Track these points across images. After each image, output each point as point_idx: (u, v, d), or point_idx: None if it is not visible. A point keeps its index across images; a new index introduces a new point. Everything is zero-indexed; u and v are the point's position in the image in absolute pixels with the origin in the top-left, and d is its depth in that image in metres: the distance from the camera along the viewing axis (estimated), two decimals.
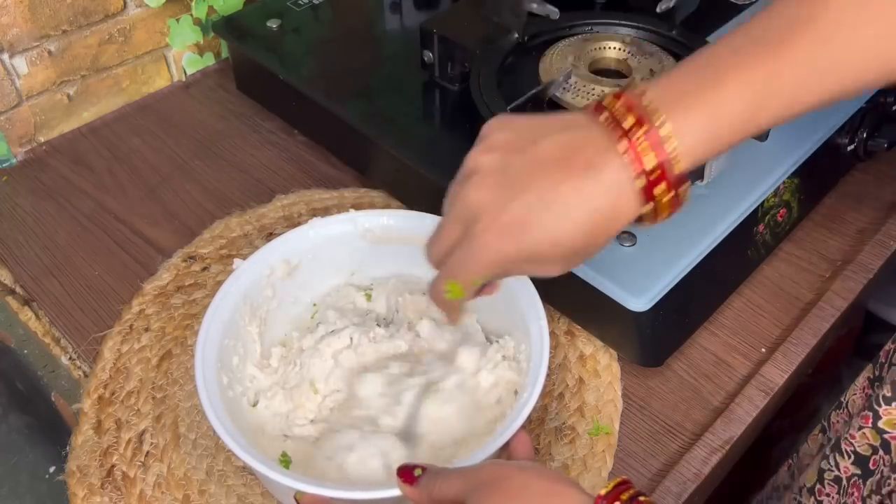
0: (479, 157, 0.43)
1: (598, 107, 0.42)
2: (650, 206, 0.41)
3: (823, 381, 1.01)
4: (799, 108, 0.42)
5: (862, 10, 0.40)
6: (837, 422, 0.67)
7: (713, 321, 0.64)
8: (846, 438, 0.58)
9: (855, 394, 0.65)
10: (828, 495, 0.60)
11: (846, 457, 0.58)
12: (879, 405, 0.57)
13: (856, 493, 0.58)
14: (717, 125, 0.40)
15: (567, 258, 0.42)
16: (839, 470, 0.58)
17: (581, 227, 0.40)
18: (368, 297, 0.61)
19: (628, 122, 0.40)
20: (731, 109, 0.40)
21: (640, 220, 0.43)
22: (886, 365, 0.62)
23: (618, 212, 0.41)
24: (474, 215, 0.42)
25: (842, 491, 0.59)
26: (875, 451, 0.57)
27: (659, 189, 0.40)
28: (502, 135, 0.43)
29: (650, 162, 0.40)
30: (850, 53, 0.41)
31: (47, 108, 0.80)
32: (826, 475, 0.59)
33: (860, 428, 0.58)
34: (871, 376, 0.64)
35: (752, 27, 0.42)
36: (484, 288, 0.47)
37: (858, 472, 0.57)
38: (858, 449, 0.57)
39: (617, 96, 0.41)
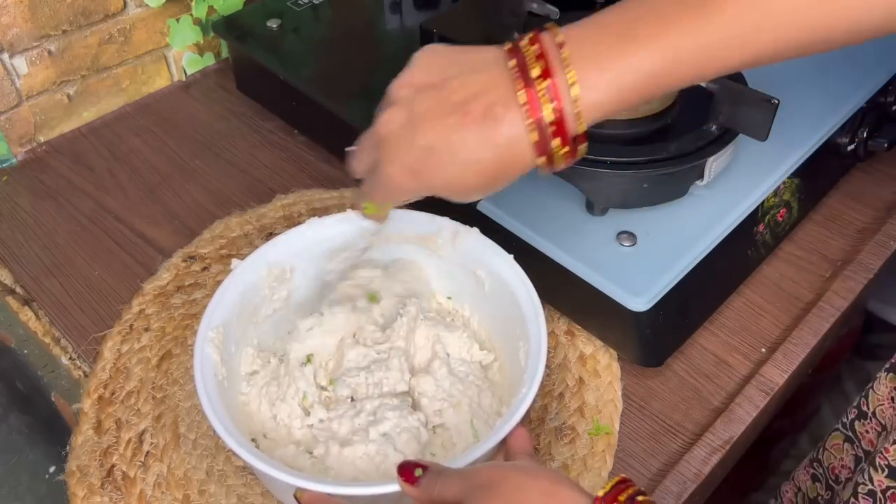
0: (399, 90, 0.45)
1: (513, 49, 0.42)
2: (543, 159, 0.42)
3: (823, 381, 1.01)
4: (711, 73, 0.42)
5: None
6: (867, 432, 0.66)
7: (713, 321, 0.64)
8: (880, 452, 0.58)
9: (882, 403, 0.65)
10: None
11: (880, 470, 0.58)
12: None
13: None
14: (624, 85, 0.41)
15: (466, 195, 0.45)
16: (873, 483, 0.58)
17: (473, 173, 0.43)
18: (373, 297, 0.61)
19: (535, 71, 0.41)
20: (641, 69, 0.40)
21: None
22: None
23: (511, 162, 0.43)
24: (381, 146, 0.45)
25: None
26: None
27: (555, 143, 0.41)
28: (423, 71, 0.45)
29: (548, 115, 0.40)
30: (774, 17, 0.40)
31: (47, 108, 0.80)
32: (860, 489, 0.59)
33: (894, 442, 0.58)
34: None
35: None
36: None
37: (894, 484, 0.57)
38: (892, 462, 0.57)
39: (533, 41, 0.42)
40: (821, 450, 0.71)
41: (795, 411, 1.00)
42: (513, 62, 0.42)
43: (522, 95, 0.41)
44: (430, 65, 0.45)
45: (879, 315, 0.98)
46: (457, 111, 0.42)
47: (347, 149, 0.49)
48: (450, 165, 0.43)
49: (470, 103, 0.42)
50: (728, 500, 0.78)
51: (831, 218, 0.71)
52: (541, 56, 0.41)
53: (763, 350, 0.62)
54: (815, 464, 0.72)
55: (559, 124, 0.41)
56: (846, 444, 0.68)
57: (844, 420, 0.69)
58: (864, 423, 0.66)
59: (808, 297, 0.65)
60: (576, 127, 0.41)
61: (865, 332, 1.04)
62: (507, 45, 0.43)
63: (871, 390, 0.66)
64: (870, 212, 0.72)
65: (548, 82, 0.40)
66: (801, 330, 0.62)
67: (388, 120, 0.44)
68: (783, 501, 0.77)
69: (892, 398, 0.64)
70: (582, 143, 0.42)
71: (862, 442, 0.67)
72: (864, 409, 0.66)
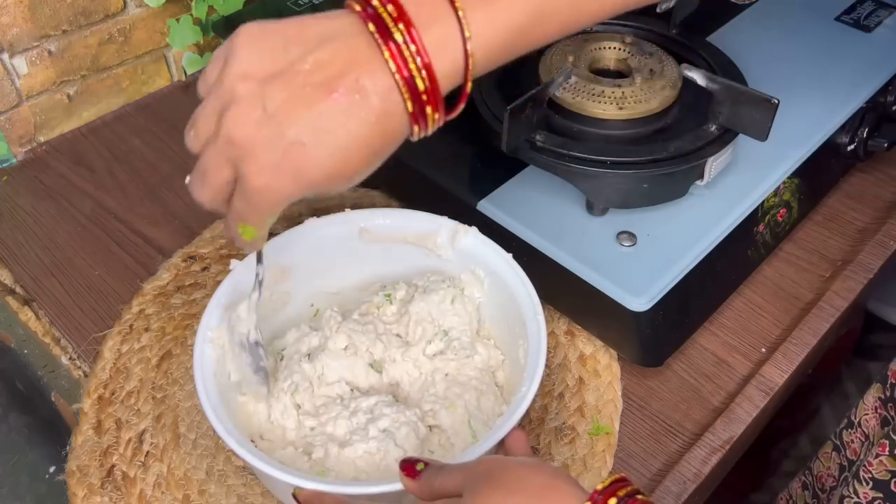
0: (236, 85, 0.39)
1: (365, 9, 0.39)
2: (416, 127, 0.40)
3: (823, 381, 1.01)
4: (579, 25, 0.43)
5: None
6: (852, 441, 0.67)
7: (713, 321, 0.64)
8: (864, 465, 0.58)
9: (867, 413, 0.65)
10: None
11: (865, 483, 0.58)
12: None
13: None
14: (494, 40, 0.40)
15: (349, 181, 0.41)
16: (859, 496, 0.58)
17: (357, 156, 0.39)
18: (389, 297, 0.60)
19: (397, 35, 0.38)
20: (510, 24, 0.40)
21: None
22: None
23: (390, 131, 0.40)
24: (240, 155, 0.39)
25: None
26: (894, 475, 0.57)
27: (429, 108, 0.39)
28: (256, 56, 0.40)
29: (418, 77, 0.38)
30: None
31: (47, 108, 0.80)
32: (846, 501, 0.59)
33: (877, 455, 0.58)
34: (883, 396, 0.63)
35: None
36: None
37: (880, 495, 0.57)
38: (876, 475, 0.57)
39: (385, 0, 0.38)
40: (814, 458, 0.71)
41: (795, 411, 1.00)
42: (371, 26, 0.38)
43: (389, 60, 0.38)
44: (262, 49, 0.40)
45: (879, 315, 0.98)
46: (320, 95, 0.38)
47: (188, 179, 0.43)
48: (329, 155, 0.39)
49: (332, 82, 0.38)
50: (728, 501, 0.78)
51: (831, 218, 0.72)
52: (400, 17, 0.38)
53: (763, 350, 0.62)
54: (806, 472, 0.73)
55: (431, 81, 0.39)
56: (834, 453, 0.69)
57: (837, 429, 0.69)
58: (850, 433, 0.67)
59: (808, 297, 0.65)
60: (447, 80, 0.39)
61: (865, 332, 1.04)
62: (356, 6, 0.39)
63: (861, 400, 0.66)
64: (870, 212, 0.72)
65: (414, 46, 0.38)
66: (801, 330, 0.62)
67: (237, 123, 0.39)
68: None
69: (876, 408, 0.64)
70: (460, 102, 0.41)
71: (847, 451, 0.67)
72: (853, 418, 0.66)
